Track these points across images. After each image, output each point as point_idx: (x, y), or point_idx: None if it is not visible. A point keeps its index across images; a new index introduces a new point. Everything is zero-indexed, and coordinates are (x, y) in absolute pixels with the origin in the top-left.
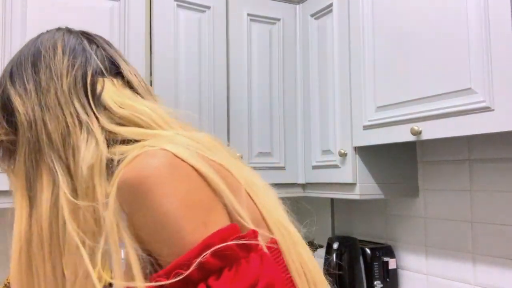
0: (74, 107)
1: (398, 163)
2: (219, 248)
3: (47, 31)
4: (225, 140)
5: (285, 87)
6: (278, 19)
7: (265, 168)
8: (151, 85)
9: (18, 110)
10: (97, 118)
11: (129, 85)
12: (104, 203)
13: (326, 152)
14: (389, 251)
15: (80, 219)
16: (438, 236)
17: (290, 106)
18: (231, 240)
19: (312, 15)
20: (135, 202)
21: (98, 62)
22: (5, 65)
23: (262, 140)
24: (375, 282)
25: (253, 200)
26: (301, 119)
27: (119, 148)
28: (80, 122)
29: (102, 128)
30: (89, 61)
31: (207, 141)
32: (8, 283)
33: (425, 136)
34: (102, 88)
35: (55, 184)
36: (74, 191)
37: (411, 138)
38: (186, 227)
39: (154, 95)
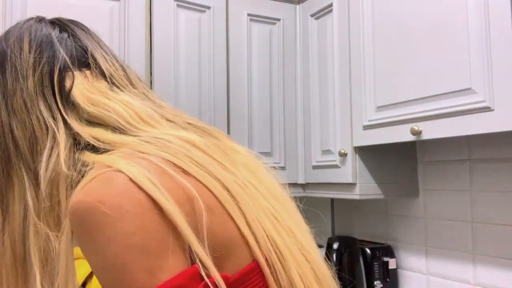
0: (40, 110)
1: (398, 163)
2: None
3: (17, 23)
4: None
5: (285, 87)
6: (278, 19)
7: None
8: (151, 85)
9: None
10: (64, 120)
11: (105, 78)
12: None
13: (326, 152)
14: (389, 251)
15: (42, 238)
16: (438, 236)
17: (290, 106)
18: None
19: (312, 15)
20: (81, 237)
21: (66, 54)
22: None
23: (262, 140)
24: (375, 282)
25: (232, 217)
26: (301, 119)
27: (88, 157)
28: (46, 126)
29: (70, 131)
30: (57, 54)
31: (191, 145)
32: None
33: (425, 136)
34: (72, 83)
35: (25, 197)
36: (41, 204)
37: (411, 138)
38: (132, 276)
39: (142, 83)
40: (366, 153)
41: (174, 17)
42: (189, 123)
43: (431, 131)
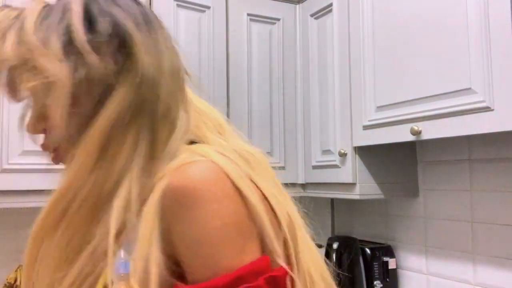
0: (183, 81)
1: (398, 163)
2: (249, 286)
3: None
4: None
5: (285, 87)
6: (278, 19)
7: None
8: None
9: (142, 60)
10: (188, 100)
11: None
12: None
13: (326, 152)
14: (389, 251)
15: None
16: (438, 236)
17: (290, 106)
18: (263, 277)
19: (312, 15)
20: (179, 212)
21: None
22: None
23: (262, 140)
24: (375, 282)
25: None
26: (301, 119)
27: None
28: (182, 99)
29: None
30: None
31: (257, 159)
32: (8, 282)
33: (425, 136)
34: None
35: (135, 153)
36: (148, 170)
37: (411, 138)
38: (224, 252)
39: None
40: (366, 153)
41: (174, 17)
42: (220, 125)
43: (431, 131)
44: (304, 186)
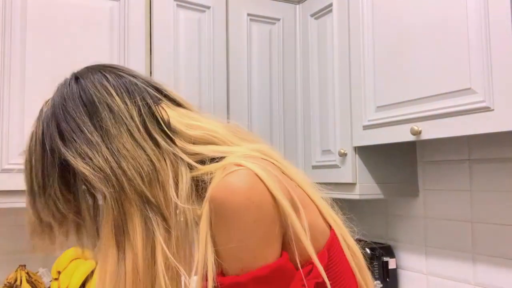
0: (156, 141)
1: (398, 163)
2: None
3: (72, 79)
4: None
5: (285, 87)
6: (278, 19)
7: None
8: None
9: (84, 173)
10: (175, 144)
11: (178, 104)
12: (192, 219)
13: (326, 152)
14: (389, 251)
15: (173, 251)
16: (438, 236)
17: (290, 106)
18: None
19: (312, 15)
20: (215, 220)
21: (150, 92)
22: (39, 126)
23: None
24: (375, 282)
25: (321, 213)
26: (301, 119)
27: (205, 168)
28: (162, 156)
29: (185, 153)
30: (144, 93)
31: (275, 154)
32: (8, 282)
33: (425, 136)
34: (167, 114)
35: (147, 226)
36: (166, 229)
37: (411, 138)
38: (246, 254)
39: (190, 104)
40: (366, 153)
41: (174, 17)
42: (248, 136)
43: (431, 131)
44: None
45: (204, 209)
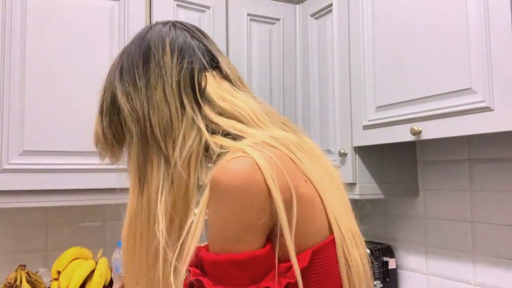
0: (182, 101)
1: (398, 163)
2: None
3: (155, 25)
4: None
5: (285, 87)
6: (278, 19)
7: None
8: None
9: (123, 109)
10: (200, 110)
11: (226, 77)
12: (194, 189)
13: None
14: (389, 251)
15: (172, 203)
16: (438, 236)
17: (290, 106)
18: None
19: (312, 15)
20: (214, 199)
21: (202, 58)
22: (115, 58)
23: None
24: (375, 282)
25: (327, 214)
26: (301, 119)
27: (220, 140)
28: (183, 115)
29: (205, 118)
30: (194, 58)
31: (295, 142)
32: (8, 282)
33: (425, 136)
34: (206, 82)
35: (159, 171)
36: (171, 178)
37: (411, 138)
38: (225, 237)
39: (245, 83)
40: (366, 153)
41: (174, 17)
42: (283, 123)
43: (431, 131)
44: None
45: (207, 188)
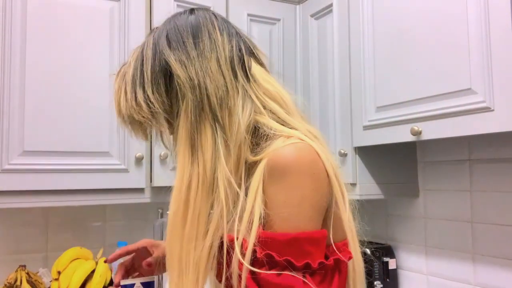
0: (235, 74)
1: (398, 163)
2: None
3: (195, 11)
4: None
5: (285, 87)
6: (278, 19)
7: None
8: None
9: (179, 75)
10: (251, 86)
11: (261, 65)
12: (243, 159)
13: None
14: (389, 251)
15: (231, 169)
16: (438, 236)
17: None
18: (333, 258)
19: (312, 15)
20: (270, 181)
21: (247, 42)
22: (150, 39)
23: None
24: (375, 282)
25: (345, 206)
26: None
27: (267, 121)
28: (237, 87)
29: (255, 94)
30: (241, 41)
31: (323, 138)
32: (9, 282)
33: (425, 136)
34: (251, 64)
35: (215, 141)
36: (227, 147)
37: (411, 138)
38: (297, 216)
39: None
40: (366, 153)
41: None
42: (301, 117)
43: (431, 131)
44: None
45: (261, 165)
